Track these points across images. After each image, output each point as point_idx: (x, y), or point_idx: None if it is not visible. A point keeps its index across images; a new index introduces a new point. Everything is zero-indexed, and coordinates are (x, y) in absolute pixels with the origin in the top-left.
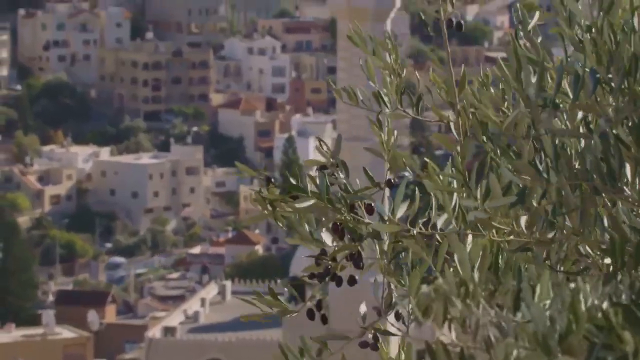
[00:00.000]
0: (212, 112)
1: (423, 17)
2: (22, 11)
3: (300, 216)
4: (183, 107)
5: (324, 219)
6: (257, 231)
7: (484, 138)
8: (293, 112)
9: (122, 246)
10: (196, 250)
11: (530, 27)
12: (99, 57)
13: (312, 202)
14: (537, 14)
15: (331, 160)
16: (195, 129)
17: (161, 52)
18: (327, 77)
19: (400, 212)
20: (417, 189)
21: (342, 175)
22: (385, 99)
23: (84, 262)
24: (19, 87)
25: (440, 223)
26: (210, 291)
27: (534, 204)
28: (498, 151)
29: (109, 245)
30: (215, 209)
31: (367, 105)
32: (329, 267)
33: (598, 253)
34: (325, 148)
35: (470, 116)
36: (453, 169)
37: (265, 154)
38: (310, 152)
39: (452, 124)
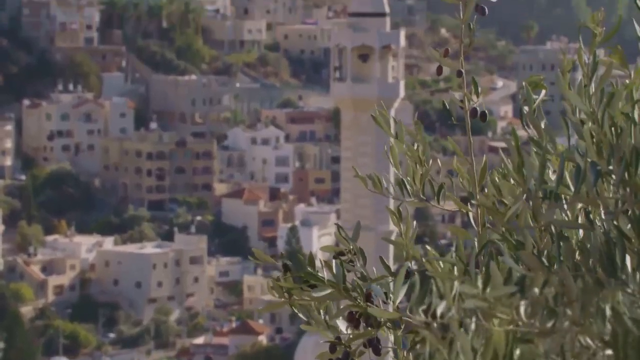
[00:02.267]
0: (216, 201)
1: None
2: (26, 101)
3: (318, 304)
4: (187, 197)
5: (339, 307)
6: (260, 321)
7: (503, 230)
8: (296, 201)
9: (125, 336)
10: (200, 340)
11: (535, 104)
12: (103, 147)
13: (329, 290)
14: (543, 92)
15: (350, 247)
16: (199, 218)
17: (165, 141)
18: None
19: (399, 298)
20: (417, 276)
21: (359, 263)
22: (409, 187)
23: (87, 352)
24: (23, 177)
25: (440, 310)
26: None
27: (536, 293)
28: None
29: (112, 335)
30: (219, 299)
31: (392, 193)
32: (348, 352)
33: (599, 345)
34: (343, 234)
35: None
36: (454, 255)
37: (269, 243)
38: (314, 241)
39: (471, 215)
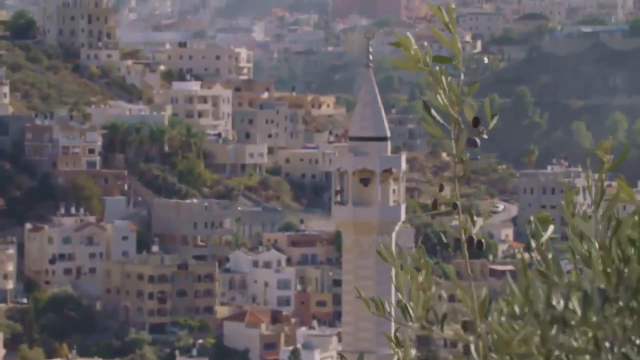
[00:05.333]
0: (218, 324)
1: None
2: (28, 225)
3: None
4: (188, 320)
5: None
6: None
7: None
8: (298, 324)
9: None
10: None
11: (543, 240)
12: (105, 270)
13: None
14: (551, 227)
15: None
16: (200, 341)
17: (167, 264)
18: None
19: None
20: None
21: None
22: (412, 312)
23: None
24: (24, 300)
25: None
26: None
27: None
28: None
29: None
30: None
31: (394, 316)
32: None
33: None
34: None
35: (495, 336)
36: None
37: None
38: None
39: (472, 346)
